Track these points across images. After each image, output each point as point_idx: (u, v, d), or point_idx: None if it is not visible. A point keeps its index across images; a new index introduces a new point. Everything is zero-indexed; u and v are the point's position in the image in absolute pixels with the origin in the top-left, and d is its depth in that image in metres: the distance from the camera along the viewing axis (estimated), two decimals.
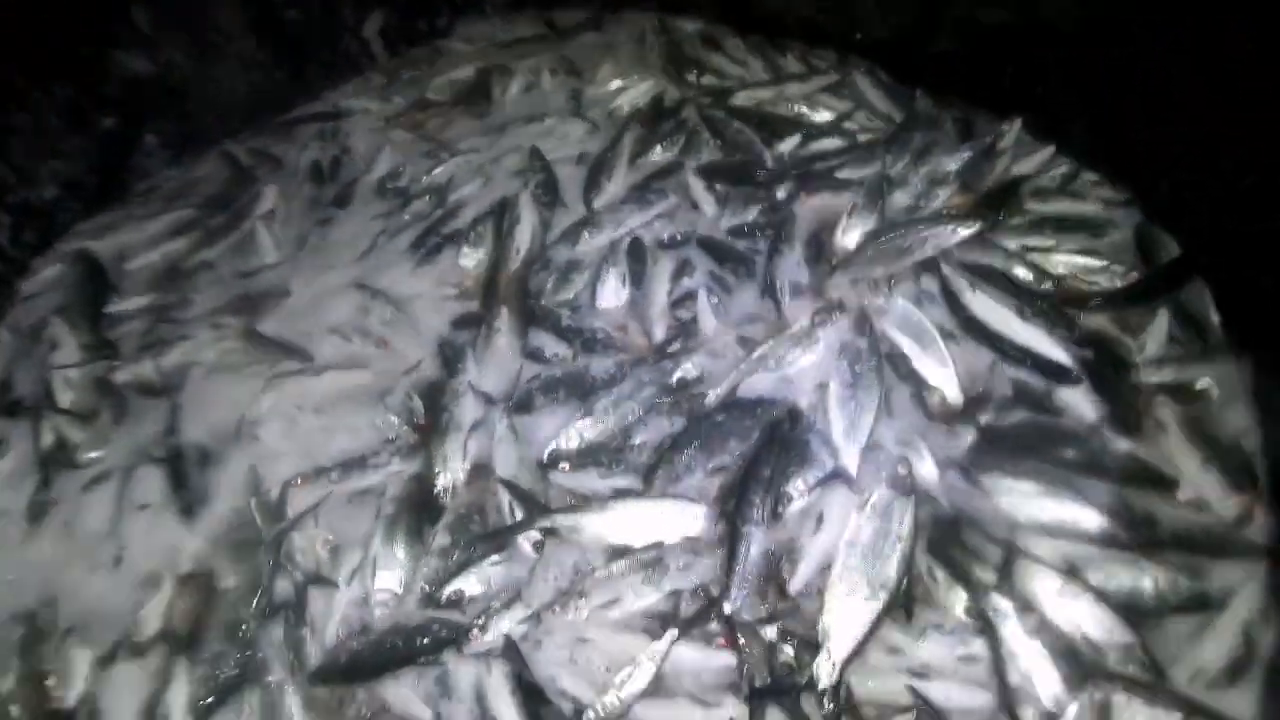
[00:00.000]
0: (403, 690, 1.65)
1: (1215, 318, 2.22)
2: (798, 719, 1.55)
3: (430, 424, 2.11)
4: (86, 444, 2.19)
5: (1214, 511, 1.79)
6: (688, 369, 2.14)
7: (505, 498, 1.94)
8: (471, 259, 2.59)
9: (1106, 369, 2.06)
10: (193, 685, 1.71)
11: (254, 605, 1.80)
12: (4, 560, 1.97)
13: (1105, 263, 2.36)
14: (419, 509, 1.93)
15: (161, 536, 1.95)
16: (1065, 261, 2.39)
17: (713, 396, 2.09)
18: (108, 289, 2.64)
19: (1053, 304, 2.22)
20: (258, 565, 1.86)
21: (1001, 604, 1.61)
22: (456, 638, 1.70)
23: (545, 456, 2.02)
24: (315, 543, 1.90)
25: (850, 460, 1.91)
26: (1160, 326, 2.17)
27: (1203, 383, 2.08)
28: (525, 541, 1.85)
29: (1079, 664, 1.58)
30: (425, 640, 1.70)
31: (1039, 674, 1.54)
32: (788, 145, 2.86)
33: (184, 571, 1.88)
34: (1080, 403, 2.01)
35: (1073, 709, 1.50)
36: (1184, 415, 1.99)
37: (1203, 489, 1.81)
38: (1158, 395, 2.04)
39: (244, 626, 1.77)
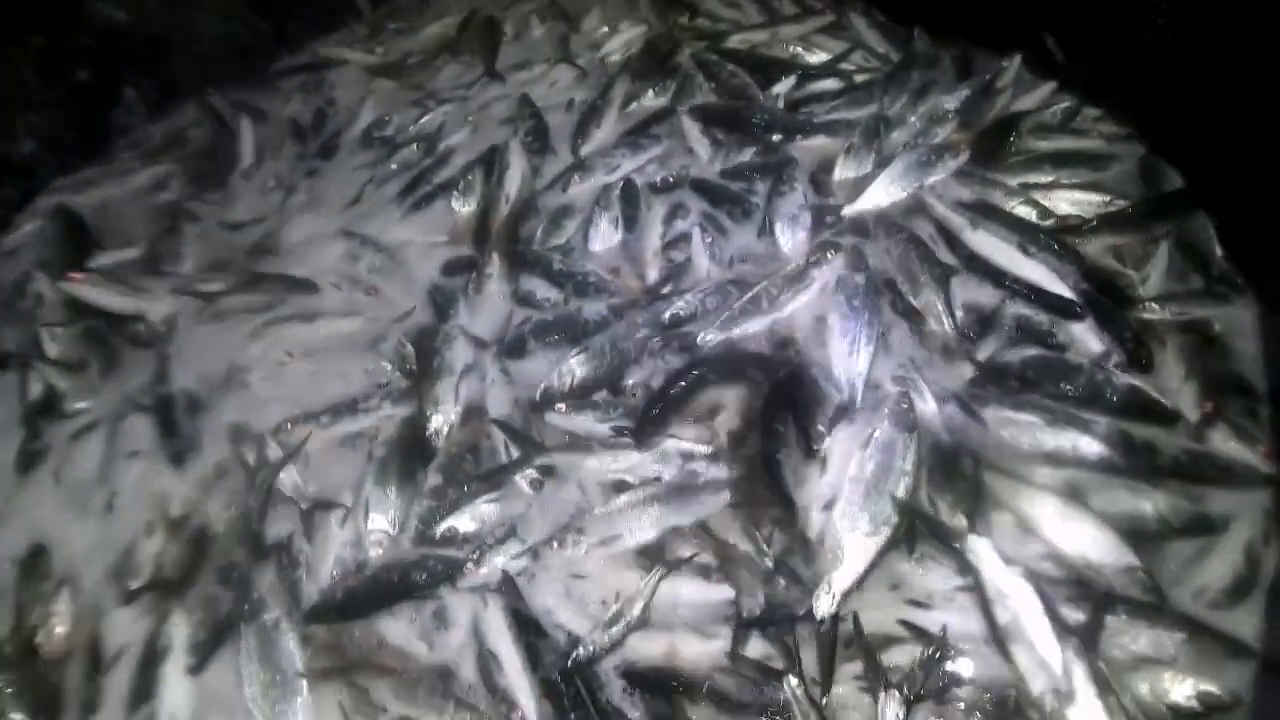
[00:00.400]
0: (399, 625, 1.64)
1: (1219, 251, 2.19)
2: (783, 649, 1.53)
3: (422, 368, 2.08)
4: (75, 394, 2.16)
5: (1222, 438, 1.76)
6: (680, 308, 2.10)
7: (500, 438, 1.91)
8: (462, 206, 2.54)
9: (1109, 303, 2.02)
10: (189, 627, 1.69)
11: (246, 548, 1.77)
12: None
13: (1108, 197, 2.32)
14: (411, 451, 1.91)
15: (152, 483, 1.93)
16: (1067, 198, 2.34)
17: (708, 336, 2.06)
18: (90, 243, 2.59)
19: (1056, 239, 2.17)
20: (248, 509, 1.83)
21: (978, 545, 1.58)
22: (451, 573, 1.69)
23: (538, 396, 1.99)
24: (306, 485, 1.87)
25: (852, 395, 1.88)
26: (1162, 260, 2.14)
27: (1206, 316, 2.05)
28: (522, 480, 1.84)
29: (1073, 591, 1.56)
30: (421, 576, 1.68)
31: (1026, 613, 1.51)
32: (783, 87, 2.79)
33: (175, 516, 1.86)
34: (1084, 337, 1.98)
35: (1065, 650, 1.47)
36: (1187, 349, 1.97)
37: (1177, 401, 1.81)
38: (1161, 329, 2.01)
39: (237, 569, 1.75)
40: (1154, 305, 2.04)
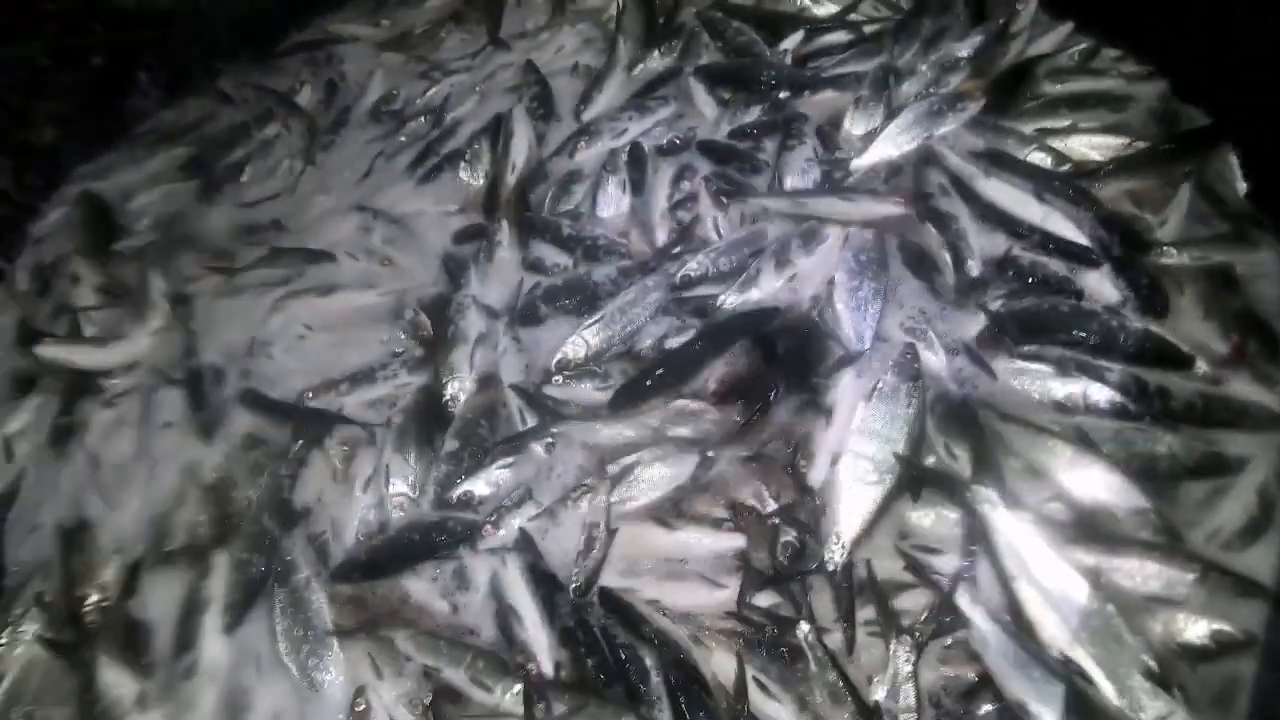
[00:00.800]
0: (421, 583, 1.70)
1: (1242, 192, 2.13)
2: (792, 599, 1.56)
3: (437, 336, 2.12)
4: (109, 372, 2.23)
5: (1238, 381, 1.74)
6: (691, 268, 2.11)
7: (515, 404, 1.95)
8: (470, 175, 2.56)
9: (1125, 249, 1.98)
10: (224, 589, 1.77)
11: (276, 513, 1.84)
12: (37, 480, 2.04)
13: (1128, 139, 2.26)
14: (428, 418, 1.95)
15: (184, 453, 2.00)
16: (1085, 142, 2.29)
17: (728, 298, 2.05)
18: (115, 227, 2.66)
19: (1071, 184, 2.13)
20: (277, 476, 1.90)
21: (986, 494, 1.58)
22: (470, 534, 1.74)
23: (553, 365, 2.02)
24: (330, 452, 1.93)
25: (859, 346, 1.89)
26: (1182, 203, 2.09)
27: (1227, 260, 2.00)
28: (538, 444, 1.87)
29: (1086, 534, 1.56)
30: (441, 536, 1.74)
31: (1033, 558, 1.52)
32: (790, 43, 2.76)
33: (207, 484, 1.94)
34: (1099, 284, 1.95)
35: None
36: (1206, 293, 1.93)
37: (1198, 338, 1.80)
38: (1180, 274, 1.98)
39: (268, 534, 1.82)
40: (1172, 250, 2.00)
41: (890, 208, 2.13)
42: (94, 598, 1.82)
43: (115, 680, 1.66)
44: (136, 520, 1.92)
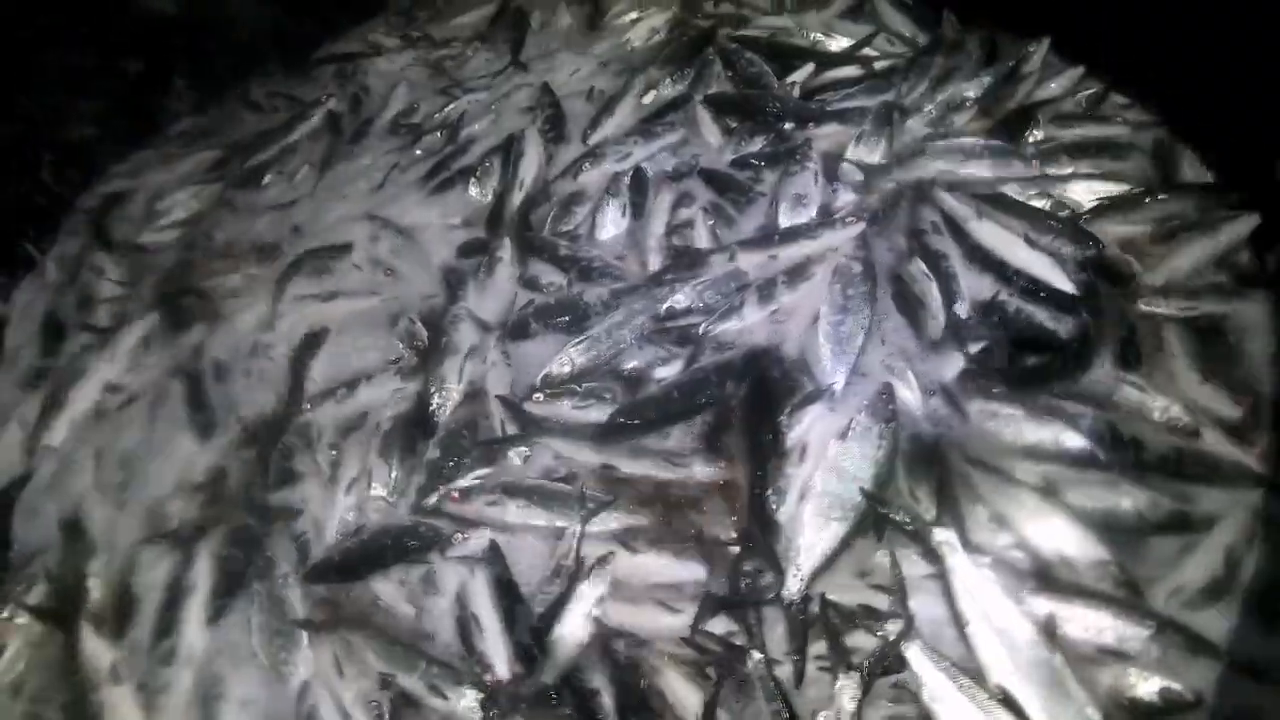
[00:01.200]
0: (389, 586, 1.76)
1: (1240, 245, 2.11)
2: (746, 627, 1.58)
3: (431, 347, 2.19)
4: (121, 368, 2.34)
5: (1210, 429, 1.73)
6: (679, 299, 2.15)
7: (497, 417, 2.01)
8: (479, 191, 2.64)
9: (1109, 296, 1.98)
10: (209, 580, 1.84)
11: (260, 512, 1.92)
12: (48, 467, 2.16)
13: (1127, 186, 2.26)
14: (414, 425, 2.02)
15: (180, 449, 2.10)
16: (1084, 188, 2.29)
17: (710, 328, 2.09)
18: (141, 224, 2.79)
19: (1063, 229, 2.13)
20: (266, 474, 1.98)
21: (946, 535, 1.60)
22: (441, 541, 1.79)
23: (539, 381, 2.08)
24: (319, 454, 2.00)
25: (835, 384, 1.91)
26: (1175, 252, 2.08)
27: (1217, 311, 1.99)
28: (515, 455, 1.93)
29: (1043, 583, 1.57)
30: (412, 542, 1.79)
31: (990, 603, 1.53)
32: (800, 75, 2.80)
33: (198, 481, 2.03)
34: (1078, 330, 1.94)
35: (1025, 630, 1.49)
36: (1190, 344, 1.92)
37: (1202, 402, 1.77)
38: (1166, 323, 1.97)
39: (253, 531, 1.90)
40: (1160, 299, 2.00)
41: (850, 230, 2.19)
42: (88, 580, 1.92)
43: (95, 651, 1.75)
44: (132, 511, 2.02)
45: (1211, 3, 2.20)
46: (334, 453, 2.03)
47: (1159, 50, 2.37)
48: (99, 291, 2.60)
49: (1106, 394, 1.80)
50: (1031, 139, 2.42)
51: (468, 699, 1.55)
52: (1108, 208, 2.20)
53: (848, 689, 1.50)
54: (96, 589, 1.89)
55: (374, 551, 1.80)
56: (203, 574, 1.85)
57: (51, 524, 2.05)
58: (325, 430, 2.06)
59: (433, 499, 1.86)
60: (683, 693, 1.52)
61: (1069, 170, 2.34)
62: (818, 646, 1.57)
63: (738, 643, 1.57)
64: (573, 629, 1.60)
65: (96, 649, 1.78)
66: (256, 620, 1.76)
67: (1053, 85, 2.59)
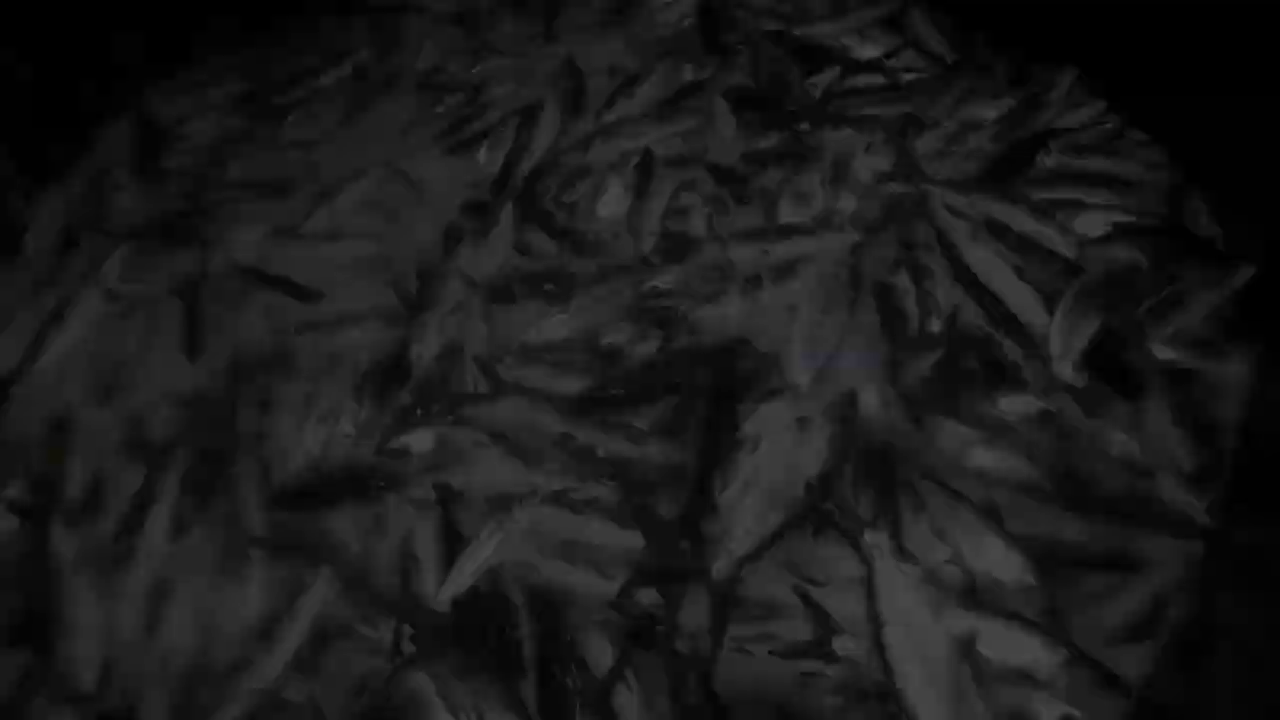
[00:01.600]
0: (342, 521, 1.83)
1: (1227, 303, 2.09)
2: (671, 601, 1.63)
3: (418, 298, 2.24)
4: (127, 277, 2.44)
5: (1166, 474, 1.73)
6: (664, 279, 2.18)
7: (471, 373, 2.06)
8: (490, 156, 2.69)
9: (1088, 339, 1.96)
10: (175, 490, 1.93)
11: (233, 431, 2.00)
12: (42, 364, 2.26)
13: (1132, 218, 2.24)
14: (390, 370, 2.08)
15: (170, 364, 2.19)
16: (1086, 221, 2.27)
17: (685, 311, 2.13)
18: (165, 146, 2.89)
19: (1058, 264, 2.13)
20: (245, 396, 2.07)
21: (876, 539, 1.63)
22: (396, 484, 1.85)
23: (515, 346, 2.13)
24: (295, 384, 2.08)
25: (801, 382, 1.94)
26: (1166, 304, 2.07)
27: (1194, 368, 1.97)
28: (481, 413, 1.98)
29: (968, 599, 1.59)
30: (369, 481, 1.86)
31: (910, 607, 1.56)
32: (825, 78, 2.80)
33: (182, 396, 2.11)
34: (1047, 366, 1.94)
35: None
36: (1172, 391, 1.91)
37: (1165, 445, 1.78)
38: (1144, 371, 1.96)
39: (223, 449, 1.98)
40: (1140, 346, 1.98)
41: (845, 236, 2.25)
42: (65, 480, 2.01)
43: (62, 541, 1.85)
44: (115, 416, 2.11)
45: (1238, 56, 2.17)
46: (310, 385, 2.10)
47: (1179, 94, 2.34)
48: (115, 204, 2.70)
49: (1067, 421, 1.80)
50: (1042, 165, 2.41)
51: (393, 631, 1.62)
52: (1108, 238, 2.18)
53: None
54: (72, 487, 1.98)
55: (333, 485, 1.86)
56: (170, 484, 1.93)
57: (41, 420, 2.15)
58: (306, 363, 2.13)
59: (396, 443, 1.92)
60: (598, 652, 1.56)
61: (1073, 198, 2.32)
62: (739, 629, 1.60)
63: (660, 615, 1.62)
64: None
65: (63, 541, 1.87)
66: (214, 538, 1.84)
67: (1072, 117, 2.57)
